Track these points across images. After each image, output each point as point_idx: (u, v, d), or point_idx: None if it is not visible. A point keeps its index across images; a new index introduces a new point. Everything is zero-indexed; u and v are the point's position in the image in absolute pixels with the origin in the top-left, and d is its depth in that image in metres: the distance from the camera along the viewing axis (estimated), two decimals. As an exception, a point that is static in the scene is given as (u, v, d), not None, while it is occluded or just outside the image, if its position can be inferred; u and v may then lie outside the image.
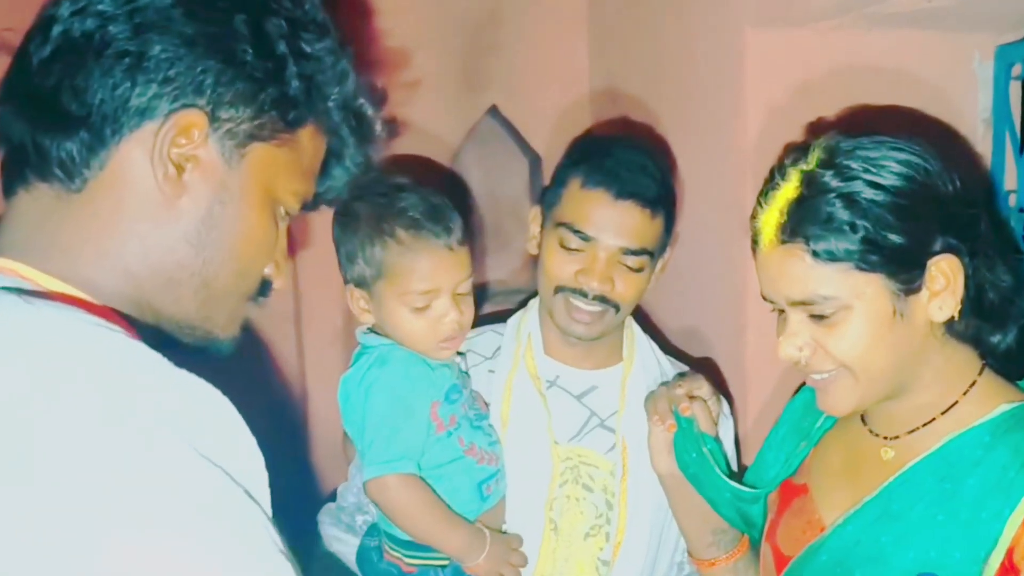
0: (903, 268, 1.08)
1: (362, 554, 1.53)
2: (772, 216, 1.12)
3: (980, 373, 1.16)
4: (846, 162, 1.09)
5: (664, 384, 1.48)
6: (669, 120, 1.95)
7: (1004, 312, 1.15)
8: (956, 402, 1.14)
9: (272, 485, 0.72)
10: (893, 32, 1.64)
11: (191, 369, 0.71)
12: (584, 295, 1.48)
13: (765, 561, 1.32)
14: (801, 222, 1.09)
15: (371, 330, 1.47)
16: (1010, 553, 1.04)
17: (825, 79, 1.65)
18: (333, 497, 1.70)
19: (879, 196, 1.07)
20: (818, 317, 1.11)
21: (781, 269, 1.12)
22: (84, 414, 0.64)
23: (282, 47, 0.84)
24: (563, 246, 1.49)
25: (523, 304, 1.68)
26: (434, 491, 1.40)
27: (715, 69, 1.75)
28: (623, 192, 1.46)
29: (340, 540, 1.62)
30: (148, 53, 0.79)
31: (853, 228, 1.07)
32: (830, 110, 1.62)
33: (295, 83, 0.85)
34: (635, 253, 1.48)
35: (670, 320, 1.98)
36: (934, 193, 1.09)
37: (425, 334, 1.42)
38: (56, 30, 0.80)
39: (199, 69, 0.80)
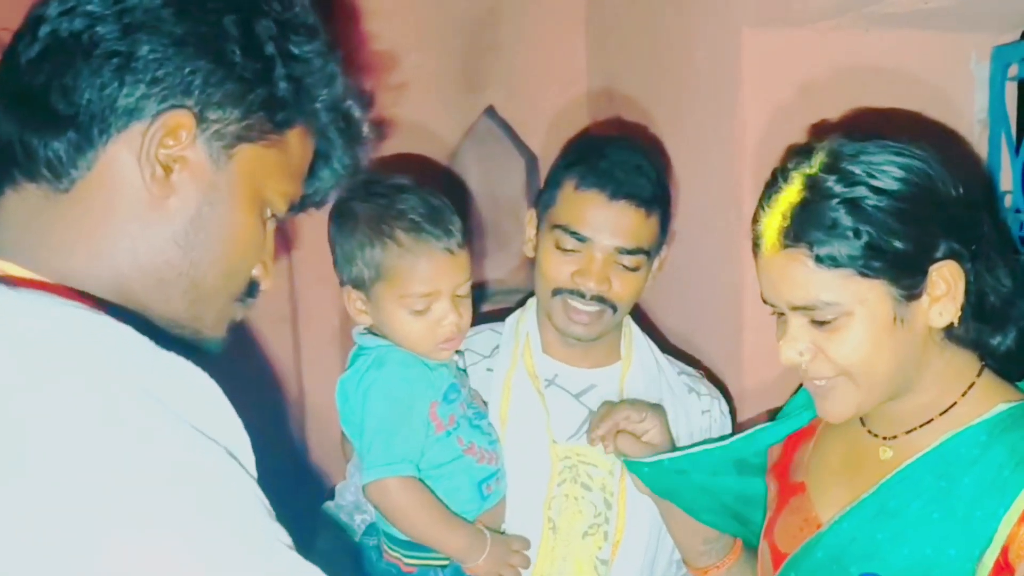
0: (905, 274, 1.08)
1: (361, 553, 1.53)
2: (774, 220, 1.12)
3: (979, 374, 1.16)
4: (850, 167, 1.09)
5: (607, 403, 1.49)
6: (667, 120, 1.95)
7: (1004, 315, 1.15)
8: (955, 403, 1.14)
9: (269, 485, 0.72)
10: (890, 32, 1.64)
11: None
12: (581, 296, 1.48)
13: (763, 559, 1.33)
14: (804, 227, 1.09)
15: (368, 330, 1.47)
16: (1005, 551, 1.04)
17: (822, 79, 1.65)
18: (331, 496, 1.70)
19: (883, 202, 1.07)
20: (819, 322, 1.11)
21: (783, 273, 1.12)
22: (73, 398, 0.64)
23: (271, 48, 0.84)
24: (559, 248, 1.49)
25: (521, 303, 1.68)
26: (434, 491, 1.40)
27: (713, 69, 1.75)
28: (618, 192, 1.46)
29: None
30: (136, 53, 0.79)
31: (857, 234, 1.06)
32: (827, 110, 1.62)
33: (283, 84, 0.85)
34: (631, 252, 1.48)
35: (668, 320, 1.98)
36: (937, 199, 1.09)
37: (424, 336, 1.41)
38: (44, 30, 0.80)
39: (187, 70, 0.80)
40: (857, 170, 1.08)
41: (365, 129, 0.97)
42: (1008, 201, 1.68)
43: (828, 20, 1.58)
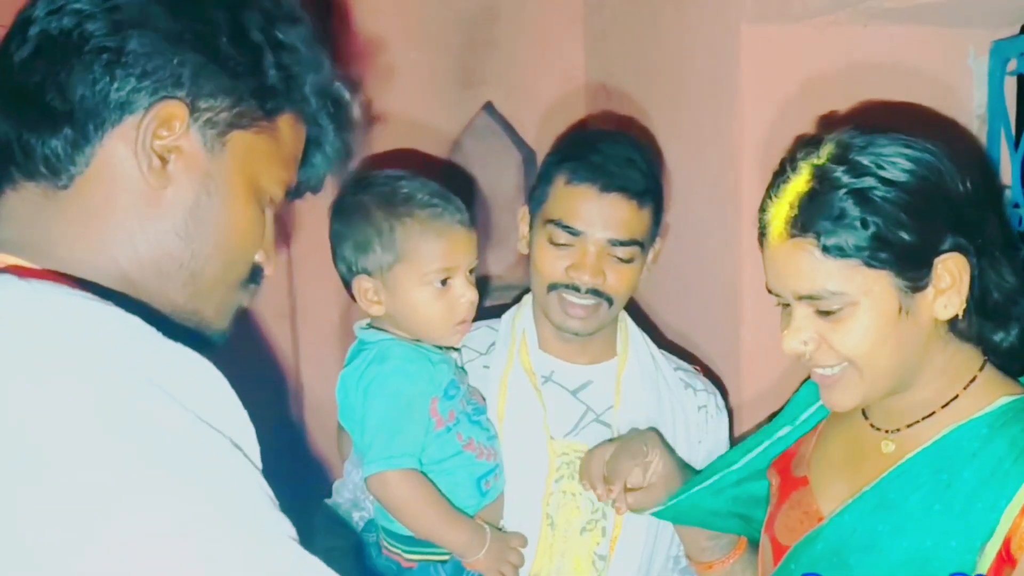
0: (912, 266, 1.08)
1: (360, 550, 1.53)
2: (782, 209, 1.12)
3: (981, 369, 1.16)
4: (858, 158, 1.09)
5: (602, 447, 1.45)
6: (665, 116, 1.95)
7: (1007, 312, 1.15)
8: (956, 396, 1.15)
9: (268, 480, 0.72)
10: (889, 28, 1.64)
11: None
12: (577, 289, 1.48)
13: (763, 552, 1.33)
14: (812, 216, 1.09)
15: (370, 325, 1.47)
16: (1007, 543, 1.04)
17: (821, 75, 1.65)
18: (329, 494, 1.70)
19: (891, 193, 1.07)
20: (824, 312, 1.11)
21: (789, 262, 1.12)
22: (77, 387, 0.65)
23: (258, 37, 0.86)
24: (552, 242, 1.49)
25: (517, 300, 1.68)
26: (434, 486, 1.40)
27: (711, 65, 1.75)
28: (609, 185, 1.46)
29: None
30: (126, 48, 0.80)
31: (864, 224, 1.06)
32: (826, 106, 1.62)
33: (272, 72, 0.87)
34: (625, 244, 1.48)
35: (666, 316, 1.98)
36: (945, 192, 1.09)
37: (443, 316, 1.42)
38: (34, 30, 0.81)
39: (177, 61, 0.81)
40: (866, 161, 1.08)
41: (355, 113, 0.98)
42: (1007, 196, 1.68)
43: (826, 15, 1.57)
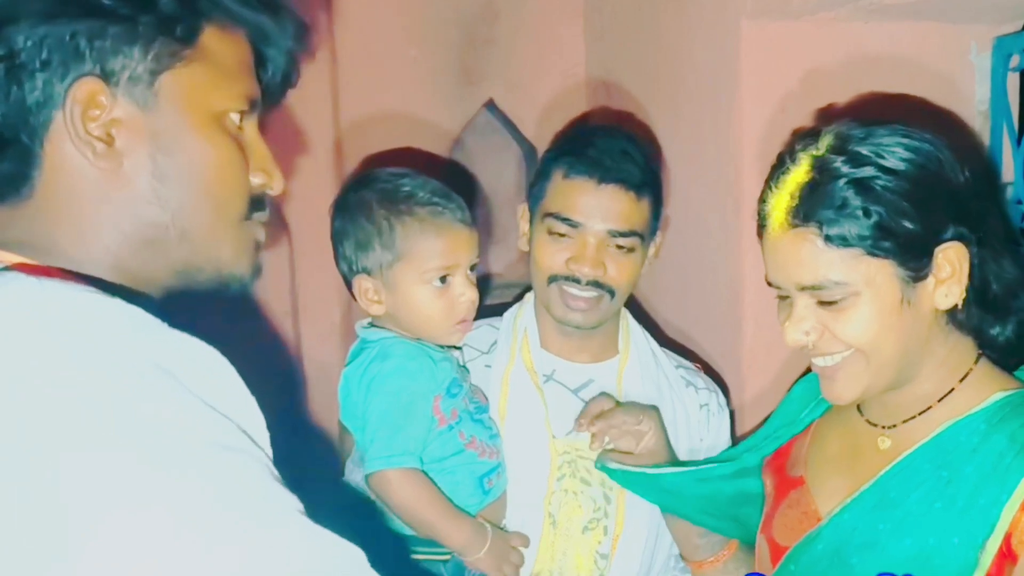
0: (913, 255, 1.08)
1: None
2: (782, 199, 1.12)
3: (976, 362, 1.16)
4: (857, 148, 1.09)
5: (604, 395, 1.50)
6: (665, 113, 1.95)
7: (1005, 305, 1.15)
8: (952, 389, 1.15)
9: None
10: (890, 23, 1.64)
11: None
12: (577, 281, 1.49)
13: (760, 553, 1.33)
14: (813, 206, 1.09)
15: (372, 323, 1.47)
16: (1008, 539, 1.04)
17: (821, 71, 1.64)
18: (329, 493, 1.69)
19: (892, 182, 1.07)
20: (826, 303, 1.11)
21: (791, 253, 1.11)
22: (85, 376, 0.66)
23: None
24: (552, 234, 1.49)
25: (519, 298, 1.68)
26: (436, 485, 1.40)
27: (712, 61, 1.75)
28: (606, 178, 1.47)
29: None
30: (15, 48, 0.78)
31: (867, 213, 1.06)
32: (826, 102, 1.62)
33: (165, 1, 0.82)
34: (624, 235, 1.48)
35: (666, 313, 1.98)
36: (945, 181, 1.10)
37: (443, 315, 1.42)
38: None
39: (69, 36, 0.78)
40: (865, 151, 1.09)
41: None
42: (1009, 192, 1.68)
43: (827, 11, 1.57)
